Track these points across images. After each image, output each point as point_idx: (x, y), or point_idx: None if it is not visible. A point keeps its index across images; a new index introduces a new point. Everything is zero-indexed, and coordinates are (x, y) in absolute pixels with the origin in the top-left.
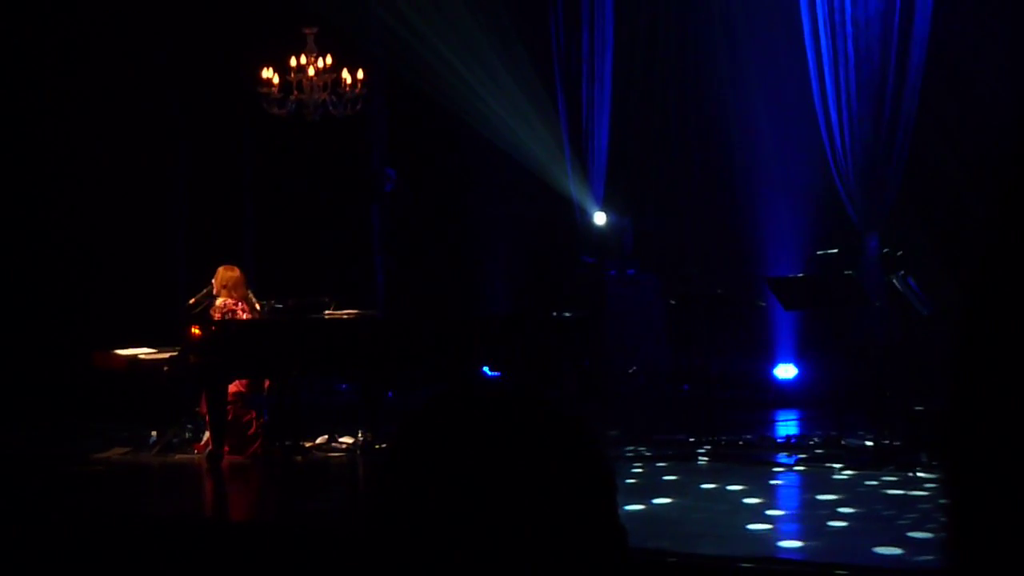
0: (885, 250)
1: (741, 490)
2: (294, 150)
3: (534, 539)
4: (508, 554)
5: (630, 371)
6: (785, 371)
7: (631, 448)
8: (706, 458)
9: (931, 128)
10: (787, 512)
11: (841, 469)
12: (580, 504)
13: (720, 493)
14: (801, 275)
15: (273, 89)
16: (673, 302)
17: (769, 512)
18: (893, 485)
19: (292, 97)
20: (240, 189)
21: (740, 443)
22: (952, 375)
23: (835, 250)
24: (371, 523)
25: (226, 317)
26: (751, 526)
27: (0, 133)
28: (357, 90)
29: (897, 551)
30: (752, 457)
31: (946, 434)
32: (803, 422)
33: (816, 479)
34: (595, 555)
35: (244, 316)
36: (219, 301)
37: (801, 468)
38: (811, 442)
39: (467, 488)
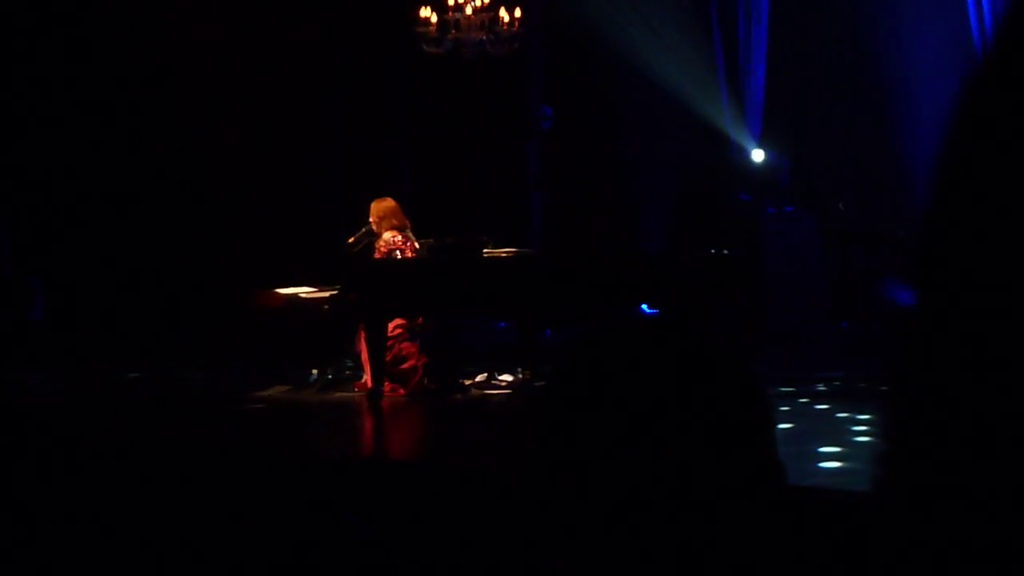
0: None
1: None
2: (451, 89)
3: (693, 473)
4: (667, 487)
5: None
6: None
7: (785, 387)
8: (850, 394)
9: None
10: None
11: None
12: (739, 438)
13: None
14: None
15: (431, 28)
16: (831, 239)
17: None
18: None
19: (450, 36)
20: (398, 128)
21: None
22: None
23: None
24: (530, 458)
25: (392, 254)
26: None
27: (166, 74)
28: (515, 29)
29: None
30: None
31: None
32: None
33: None
34: (753, 489)
35: (409, 254)
36: (387, 235)
37: None
38: None
39: (626, 423)
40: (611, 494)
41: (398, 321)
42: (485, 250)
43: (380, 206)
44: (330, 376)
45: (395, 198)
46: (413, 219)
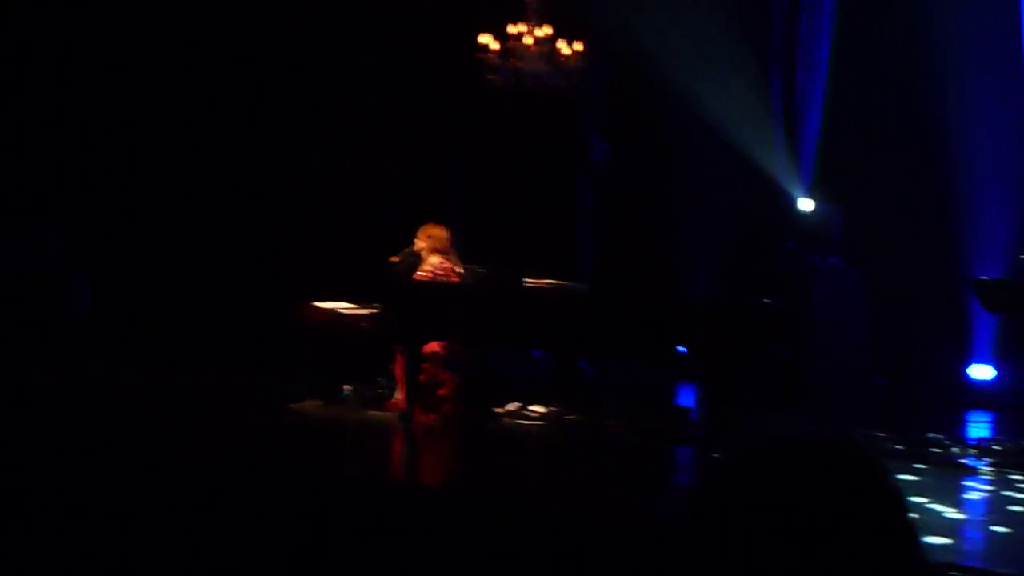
0: None
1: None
2: (509, 116)
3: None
4: None
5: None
6: (981, 372)
7: None
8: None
9: None
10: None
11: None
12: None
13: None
14: (1005, 278)
15: (490, 55)
16: (876, 296)
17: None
18: None
19: (509, 64)
20: (453, 152)
21: (927, 441)
22: None
23: None
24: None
25: (438, 279)
26: None
27: (220, 86)
28: (573, 62)
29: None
30: (936, 457)
31: None
32: (996, 426)
33: (986, 484)
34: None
35: (454, 279)
36: (434, 259)
37: (986, 472)
38: (998, 447)
39: (777, 547)
40: None
41: (434, 345)
42: (527, 280)
43: (436, 232)
44: (362, 393)
45: (446, 221)
46: (462, 244)
